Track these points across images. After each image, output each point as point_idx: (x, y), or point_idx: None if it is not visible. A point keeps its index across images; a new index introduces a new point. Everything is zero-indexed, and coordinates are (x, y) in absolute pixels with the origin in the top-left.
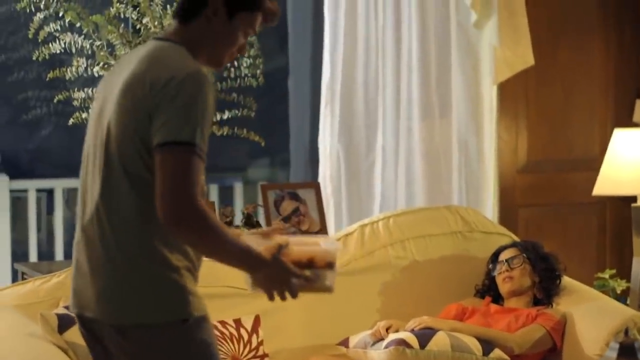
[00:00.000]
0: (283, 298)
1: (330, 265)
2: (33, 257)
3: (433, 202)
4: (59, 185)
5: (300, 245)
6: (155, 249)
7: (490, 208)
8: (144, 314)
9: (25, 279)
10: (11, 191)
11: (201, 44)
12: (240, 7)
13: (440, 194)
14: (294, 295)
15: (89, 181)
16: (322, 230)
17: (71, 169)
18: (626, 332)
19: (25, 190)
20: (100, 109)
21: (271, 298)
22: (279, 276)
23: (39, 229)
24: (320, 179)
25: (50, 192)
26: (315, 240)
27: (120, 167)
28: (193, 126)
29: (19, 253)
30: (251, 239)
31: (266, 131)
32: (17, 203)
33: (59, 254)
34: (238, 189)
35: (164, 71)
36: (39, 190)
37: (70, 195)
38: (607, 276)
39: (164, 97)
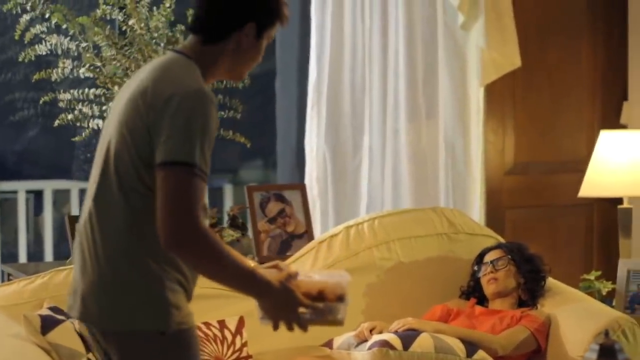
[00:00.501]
0: (290, 328)
1: (341, 298)
2: (22, 258)
3: (420, 204)
4: (48, 187)
5: (309, 278)
6: (140, 259)
7: (477, 210)
8: (122, 321)
9: (11, 280)
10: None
11: (218, 62)
12: (269, 24)
13: (426, 196)
14: (302, 327)
15: (89, 186)
16: (308, 231)
17: (58, 171)
18: (606, 333)
19: (15, 192)
20: (111, 115)
21: (276, 327)
22: (286, 304)
23: (27, 231)
24: (307, 180)
25: (38, 194)
26: (326, 272)
27: (115, 176)
28: (192, 145)
29: (5, 254)
30: (265, 272)
31: (257, 133)
32: (4, 204)
33: (48, 256)
34: (228, 190)
35: (167, 87)
36: (27, 192)
37: (57, 197)
38: (592, 277)
39: (164, 114)
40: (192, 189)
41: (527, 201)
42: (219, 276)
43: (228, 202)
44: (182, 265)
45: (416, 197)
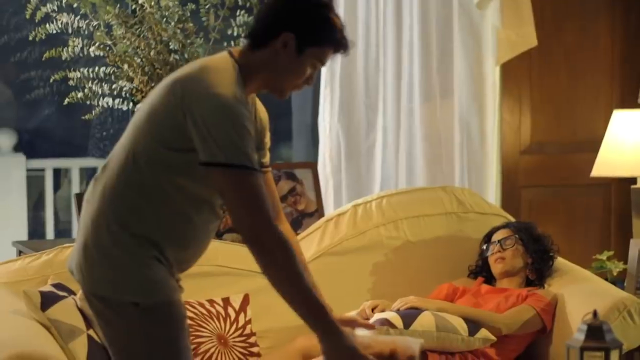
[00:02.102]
0: None
1: (411, 359)
2: (50, 234)
3: (434, 184)
4: (75, 165)
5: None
6: (119, 231)
7: (492, 189)
8: (99, 287)
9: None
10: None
11: (260, 70)
12: (310, 43)
13: (441, 175)
14: None
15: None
16: (319, 209)
17: (71, 148)
18: (594, 314)
19: (42, 170)
20: (147, 99)
21: None
22: (352, 356)
23: (41, 208)
24: (320, 159)
25: (56, 172)
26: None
27: (131, 152)
28: (237, 146)
29: (31, 232)
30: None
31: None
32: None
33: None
34: None
35: (199, 85)
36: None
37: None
38: (604, 258)
39: (193, 111)
40: (253, 188)
41: (543, 180)
42: (289, 291)
43: None
44: (166, 247)
45: (430, 177)
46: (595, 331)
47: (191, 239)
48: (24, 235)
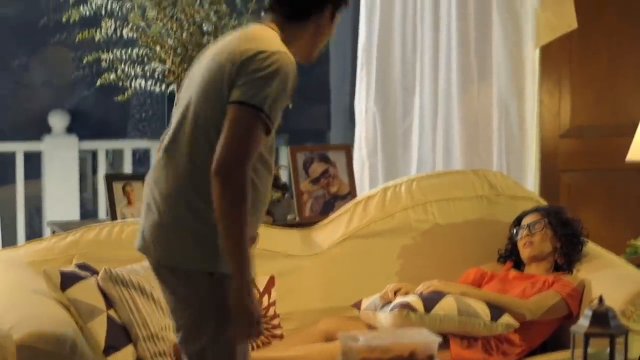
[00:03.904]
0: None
1: (430, 358)
2: (102, 214)
3: (471, 167)
4: (127, 146)
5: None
6: (196, 205)
7: (531, 173)
8: (176, 258)
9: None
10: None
11: (297, 39)
12: (342, 6)
13: (478, 159)
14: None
15: (162, 140)
16: (352, 192)
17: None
18: (600, 299)
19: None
20: (191, 77)
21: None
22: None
23: (84, 189)
24: (356, 141)
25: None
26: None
27: (190, 130)
28: (266, 96)
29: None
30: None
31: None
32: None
33: (102, 213)
34: (283, 151)
35: (254, 45)
36: (84, 151)
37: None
38: (639, 243)
39: (249, 65)
40: (254, 131)
41: (582, 165)
42: (226, 223)
43: (284, 163)
44: None
45: (468, 161)
46: (600, 317)
47: (258, 206)
48: (76, 216)
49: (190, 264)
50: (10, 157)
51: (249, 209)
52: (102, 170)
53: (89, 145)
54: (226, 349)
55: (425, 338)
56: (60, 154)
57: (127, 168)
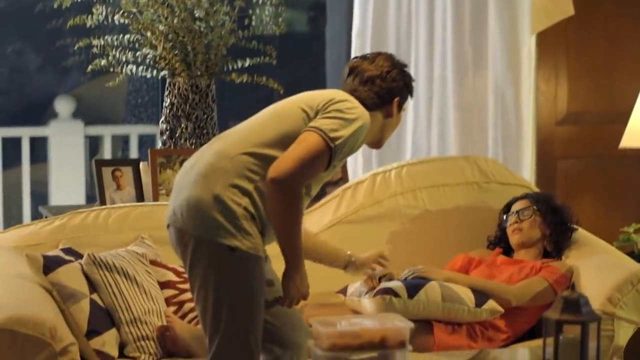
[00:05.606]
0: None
1: (402, 344)
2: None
3: (466, 154)
4: (133, 132)
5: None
6: (229, 188)
7: (527, 160)
8: (204, 229)
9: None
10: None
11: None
12: (406, 100)
13: (474, 145)
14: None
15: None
16: (344, 178)
17: (104, 115)
18: (572, 286)
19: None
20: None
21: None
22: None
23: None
24: None
25: (93, 139)
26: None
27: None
28: (341, 136)
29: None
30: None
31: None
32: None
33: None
34: None
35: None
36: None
37: (116, 142)
38: (631, 230)
39: (336, 104)
40: (320, 161)
41: (579, 152)
42: (282, 227)
43: None
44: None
45: (462, 147)
46: (572, 304)
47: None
48: (82, 200)
49: (219, 236)
50: (16, 142)
51: (298, 211)
52: (107, 155)
53: (94, 130)
54: (241, 332)
55: (396, 324)
56: (67, 139)
57: (134, 153)
